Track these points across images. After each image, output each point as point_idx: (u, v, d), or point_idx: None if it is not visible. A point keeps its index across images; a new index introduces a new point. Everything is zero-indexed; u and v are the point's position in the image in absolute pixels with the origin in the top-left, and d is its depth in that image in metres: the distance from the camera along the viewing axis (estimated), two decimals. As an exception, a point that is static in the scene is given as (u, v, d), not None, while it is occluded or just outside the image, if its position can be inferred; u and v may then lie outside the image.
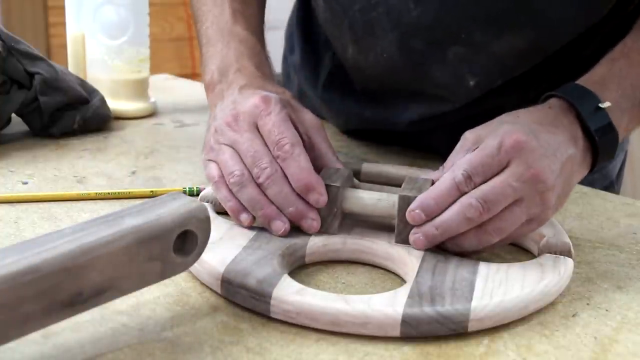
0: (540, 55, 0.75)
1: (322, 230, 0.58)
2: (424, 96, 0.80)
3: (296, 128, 0.60)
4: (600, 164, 0.62)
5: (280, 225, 0.56)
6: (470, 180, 0.54)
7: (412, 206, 0.55)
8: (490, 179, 0.55)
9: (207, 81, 0.71)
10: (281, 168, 0.57)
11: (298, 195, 0.57)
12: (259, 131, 0.59)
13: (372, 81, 0.85)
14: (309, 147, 0.61)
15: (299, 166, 0.56)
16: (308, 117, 0.63)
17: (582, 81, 0.65)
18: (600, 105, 0.61)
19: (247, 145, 0.58)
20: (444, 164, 0.59)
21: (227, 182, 0.58)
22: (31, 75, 0.82)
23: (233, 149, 0.59)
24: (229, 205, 0.58)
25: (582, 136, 0.60)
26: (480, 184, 0.54)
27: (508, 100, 0.74)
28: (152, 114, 0.98)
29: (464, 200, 0.54)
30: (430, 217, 0.54)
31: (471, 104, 0.79)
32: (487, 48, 0.74)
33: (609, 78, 0.65)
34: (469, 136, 0.59)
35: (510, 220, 0.54)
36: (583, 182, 0.81)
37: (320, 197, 0.56)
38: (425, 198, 0.54)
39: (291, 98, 0.65)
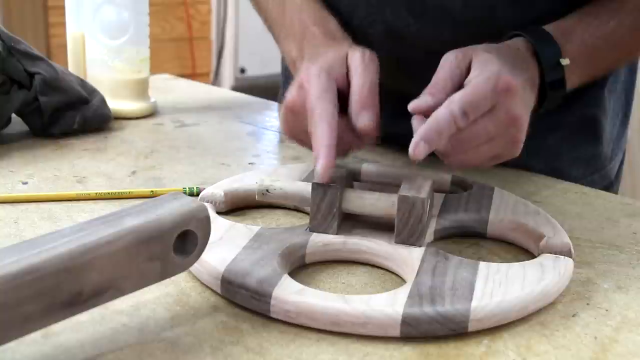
0: None
1: (322, 231, 0.58)
2: None
3: (342, 89, 0.62)
4: (538, 112, 0.65)
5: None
6: (466, 117, 0.56)
7: (415, 140, 0.55)
8: (480, 115, 0.57)
9: (289, 61, 0.75)
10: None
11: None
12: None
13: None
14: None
15: (320, 132, 0.58)
16: (355, 56, 0.63)
17: (552, 27, 0.67)
18: (561, 61, 0.64)
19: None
20: (431, 86, 0.60)
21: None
22: (31, 75, 0.82)
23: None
24: None
25: (538, 84, 0.64)
26: (473, 120, 0.56)
27: None
28: (152, 114, 0.98)
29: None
30: (433, 148, 0.56)
31: None
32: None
33: (575, 33, 0.67)
34: (451, 57, 0.61)
35: (476, 156, 0.58)
36: (583, 182, 0.81)
37: (322, 171, 0.57)
38: (427, 131, 0.55)
39: (348, 47, 0.65)
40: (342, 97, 0.62)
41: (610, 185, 0.91)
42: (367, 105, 0.60)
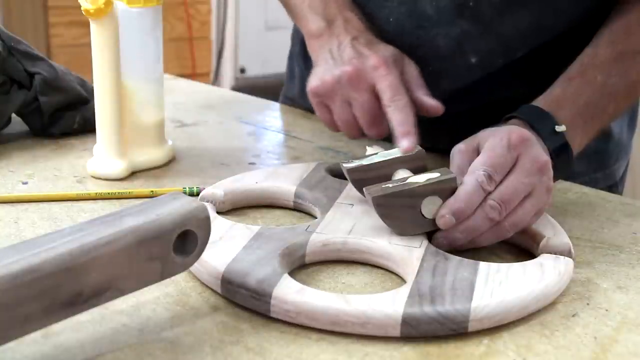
0: (541, 38, 0.77)
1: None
2: (424, 71, 0.80)
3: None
4: (557, 179, 0.66)
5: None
6: (492, 179, 0.57)
7: (442, 211, 0.56)
8: (505, 175, 0.58)
9: (314, 29, 0.76)
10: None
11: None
12: (374, 89, 0.68)
13: None
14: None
15: (404, 115, 0.66)
16: (410, 69, 0.72)
17: (540, 102, 0.69)
18: (556, 128, 0.66)
19: (366, 107, 0.69)
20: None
21: (341, 129, 0.72)
22: (31, 75, 0.82)
23: (349, 103, 0.70)
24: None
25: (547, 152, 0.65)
26: (500, 181, 0.57)
27: (514, 93, 0.74)
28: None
29: (485, 204, 0.57)
30: (461, 220, 0.57)
31: (478, 96, 0.80)
32: (492, 27, 0.75)
33: (565, 98, 0.69)
34: (462, 147, 0.63)
35: (523, 214, 0.58)
36: (586, 179, 0.81)
37: (411, 143, 0.64)
38: (455, 202, 0.56)
39: (397, 52, 0.73)
40: None
41: (614, 186, 0.90)
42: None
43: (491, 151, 0.59)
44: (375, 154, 0.65)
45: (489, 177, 0.57)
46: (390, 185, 0.58)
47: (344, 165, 0.64)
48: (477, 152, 0.61)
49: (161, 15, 0.74)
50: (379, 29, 0.78)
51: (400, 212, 0.57)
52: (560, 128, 0.66)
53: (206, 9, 3.14)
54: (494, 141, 0.60)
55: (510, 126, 0.63)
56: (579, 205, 0.73)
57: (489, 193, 0.57)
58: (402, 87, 0.68)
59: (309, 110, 1.00)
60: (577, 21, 0.76)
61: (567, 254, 0.56)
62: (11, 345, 0.41)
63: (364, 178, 0.63)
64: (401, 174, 0.62)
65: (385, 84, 0.68)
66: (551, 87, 0.71)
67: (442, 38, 0.76)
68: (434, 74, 0.79)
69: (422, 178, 0.58)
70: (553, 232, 0.59)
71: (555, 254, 0.56)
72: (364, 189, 0.58)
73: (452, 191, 0.57)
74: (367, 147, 0.68)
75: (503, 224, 0.57)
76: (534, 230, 0.60)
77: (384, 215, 0.57)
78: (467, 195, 0.56)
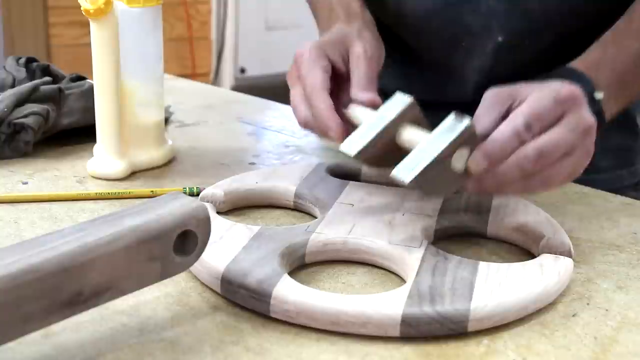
0: (566, 22, 0.76)
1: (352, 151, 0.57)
2: (454, 49, 0.79)
3: (339, 64, 0.64)
4: None
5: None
6: (530, 130, 0.54)
7: (475, 155, 0.53)
8: (547, 128, 0.54)
9: None
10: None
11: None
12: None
13: (408, 34, 0.85)
14: (347, 78, 0.64)
15: (317, 108, 0.61)
16: (355, 50, 0.65)
17: (578, 64, 0.66)
18: (595, 95, 0.63)
19: (293, 99, 0.65)
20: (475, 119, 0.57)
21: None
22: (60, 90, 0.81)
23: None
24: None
25: None
26: (539, 133, 0.54)
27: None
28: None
29: (521, 151, 0.53)
30: (493, 166, 0.53)
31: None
32: (517, 3, 0.75)
33: (602, 63, 0.66)
34: (499, 92, 0.58)
35: (558, 171, 0.55)
36: (612, 175, 0.80)
37: (335, 136, 0.61)
38: (489, 146, 0.53)
39: (353, 32, 0.68)
40: (337, 79, 0.64)
41: (639, 184, 0.89)
42: (369, 89, 0.61)
43: (536, 102, 0.55)
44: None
45: (528, 127, 0.53)
46: (413, 157, 0.54)
47: (346, 152, 0.61)
48: (511, 98, 0.57)
49: (161, 15, 0.74)
50: (408, 9, 0.78)
51: (434, 177, 0.54)
52: (598, 95, 0.63)
53: (206, 9, 3.14)
54: (541, 93, 0.56)
55: (561, 84, 0.57)
56: (579, 205, 0.73)
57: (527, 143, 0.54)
58: (315, 70, 0.63)
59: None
60: (607, 7, 0.74)
61: (567, 254, 0.56)
62: (11, 345, 0.41)
63: (374, 155, 0.59)
64: (406, 131, 0.58)
65: (302, 72, 0.64)
66: (588, 49, 0.68)
67: (469, 15, 0.76)
68: (462, 52, 0.79)
69: (440, 139, 0.54)
70: (553, 232, 0.59)
71: (555, 254, 0.56)
72: (390, 175, 0.54)
73: (475, 136, 0.54)
74: (349, 111, 0.65)
75: (534, 177, 0.54)
76: (534, 230, 0.60)
77: (420, 188, 0.55)
78: (501, 140, 0.53)
